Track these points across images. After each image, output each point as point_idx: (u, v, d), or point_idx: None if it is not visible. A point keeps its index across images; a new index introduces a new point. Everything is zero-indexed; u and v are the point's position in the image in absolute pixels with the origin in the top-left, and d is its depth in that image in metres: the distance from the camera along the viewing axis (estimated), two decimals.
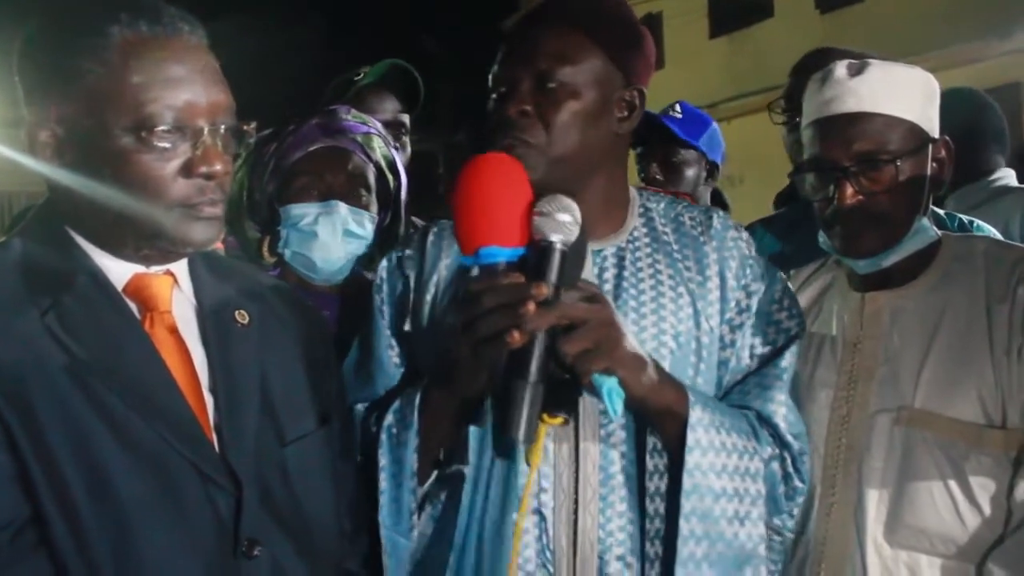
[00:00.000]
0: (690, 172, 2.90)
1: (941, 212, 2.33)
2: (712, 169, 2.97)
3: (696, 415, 1.35)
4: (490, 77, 1.48)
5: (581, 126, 1.43)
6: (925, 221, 1.66)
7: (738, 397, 1.47)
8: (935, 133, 1.66)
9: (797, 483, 1.46)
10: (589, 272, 1.45)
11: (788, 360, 1.49)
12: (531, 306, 1.22)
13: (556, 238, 1.27)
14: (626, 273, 1.47)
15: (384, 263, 1.59)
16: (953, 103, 2.30)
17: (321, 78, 2.81)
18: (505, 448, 1.38)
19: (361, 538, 1.43)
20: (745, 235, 1.56)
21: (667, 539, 1.38)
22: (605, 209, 1.50)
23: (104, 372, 1.17)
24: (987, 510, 1.54)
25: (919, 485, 1.57)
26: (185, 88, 1.19)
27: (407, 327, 1.52)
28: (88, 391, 1.15)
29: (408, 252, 1.56)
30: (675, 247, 1.50)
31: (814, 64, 2.37)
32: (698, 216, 1.55)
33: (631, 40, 1.49)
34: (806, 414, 1.67)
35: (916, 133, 1.62)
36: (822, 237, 1.70)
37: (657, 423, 1.39)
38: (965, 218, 2.35)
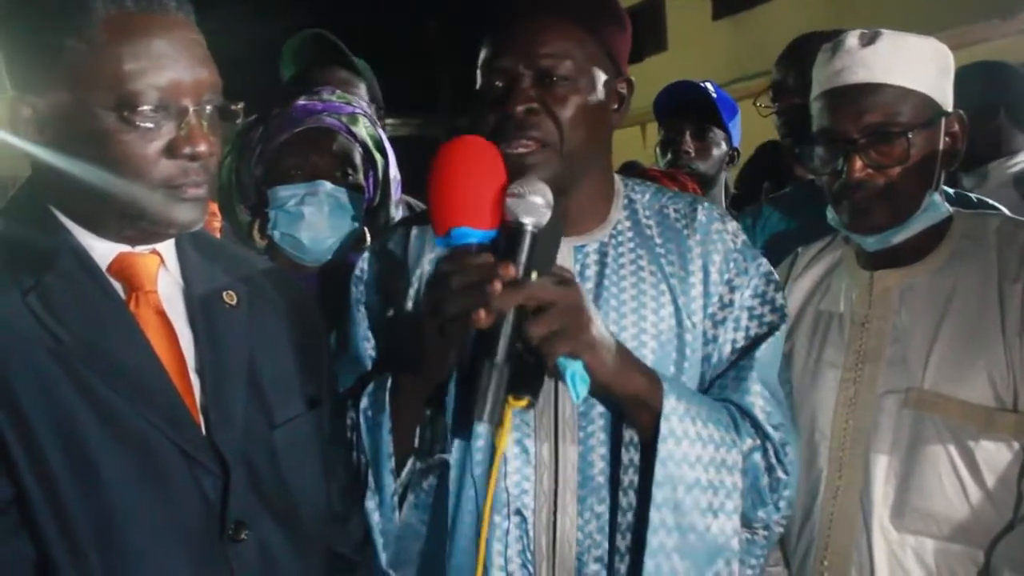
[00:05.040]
0: (717, 152, 2.90)
1: (951, 191, 2.19)
2: (733, 155, 2.97)
3: (670, 404, 1.34)
4: (482, 65, 1.45)
5: (587, 121, 1.41)
6: (936, 197, 1.62)
7: (717, 391, 1.47)
8: (948, 106, 1.62)
9: (780, 474, 1.44)
10: (570, 268, 1.43)
11: (765, 351, 1.47)
12: (498, 285, 1.21)
13: (528, 220, 1.27)
14: (607, 270, 1.46)
15: (365, 255, 1.58)
16: (971, 76, 2.21)
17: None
18: (466, 432, 1.38)
19: (353, 522, 1.41)
20: (731, 226, 1.54)
21: (637, 530, 1.37)
22: (593, 203, 1.50)
23: (87, 353, 1.15)
24: (996, 495, 1.52)
25: (927, 469, 1.54)
26: (170, 66, 1.17)
27: (387, 318, 1.51)
28: (71, 372, 1.14)
29: (390, 245, 1.55)
30: (658, 241, 1.50)
31: (798, 52, 2.37)
32: (683, 208, 1.53)
33: (621, 27, 1.48)
34: (812, 394, 1.66)
35: (928, 105, 1.58)
36: (830, 213, 1.67)
37: (631, 414, 1.38)
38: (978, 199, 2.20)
